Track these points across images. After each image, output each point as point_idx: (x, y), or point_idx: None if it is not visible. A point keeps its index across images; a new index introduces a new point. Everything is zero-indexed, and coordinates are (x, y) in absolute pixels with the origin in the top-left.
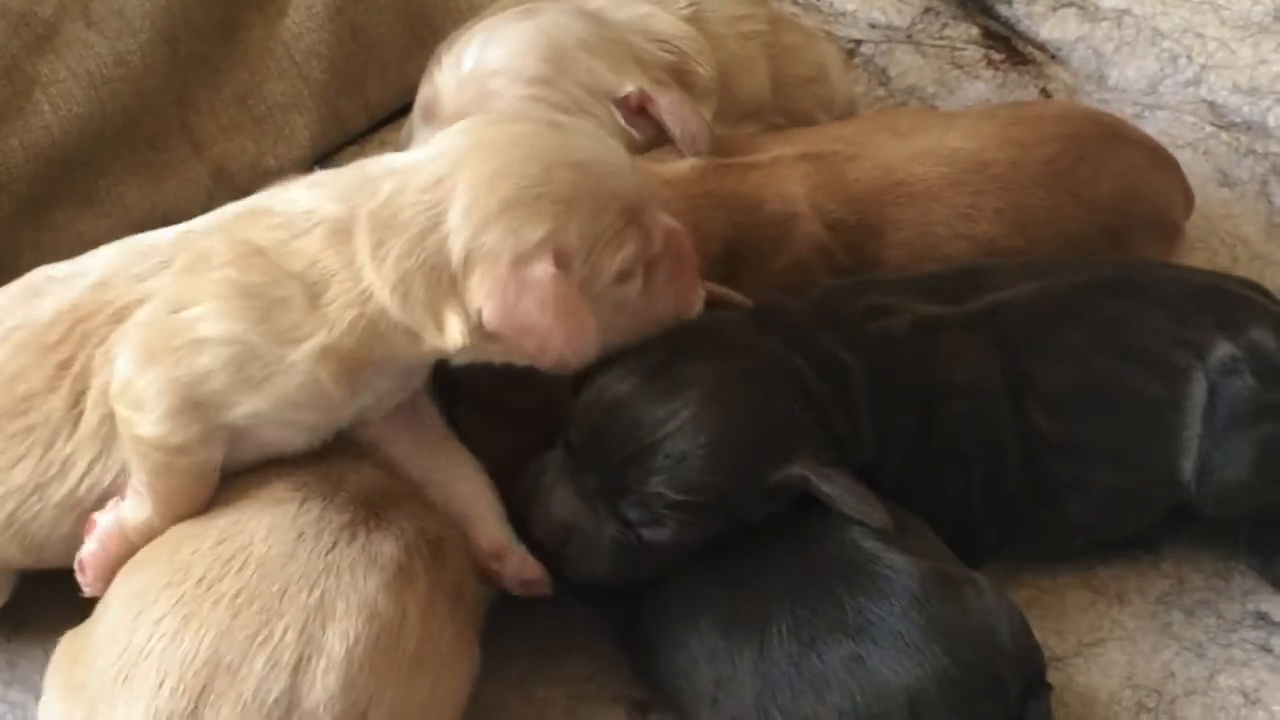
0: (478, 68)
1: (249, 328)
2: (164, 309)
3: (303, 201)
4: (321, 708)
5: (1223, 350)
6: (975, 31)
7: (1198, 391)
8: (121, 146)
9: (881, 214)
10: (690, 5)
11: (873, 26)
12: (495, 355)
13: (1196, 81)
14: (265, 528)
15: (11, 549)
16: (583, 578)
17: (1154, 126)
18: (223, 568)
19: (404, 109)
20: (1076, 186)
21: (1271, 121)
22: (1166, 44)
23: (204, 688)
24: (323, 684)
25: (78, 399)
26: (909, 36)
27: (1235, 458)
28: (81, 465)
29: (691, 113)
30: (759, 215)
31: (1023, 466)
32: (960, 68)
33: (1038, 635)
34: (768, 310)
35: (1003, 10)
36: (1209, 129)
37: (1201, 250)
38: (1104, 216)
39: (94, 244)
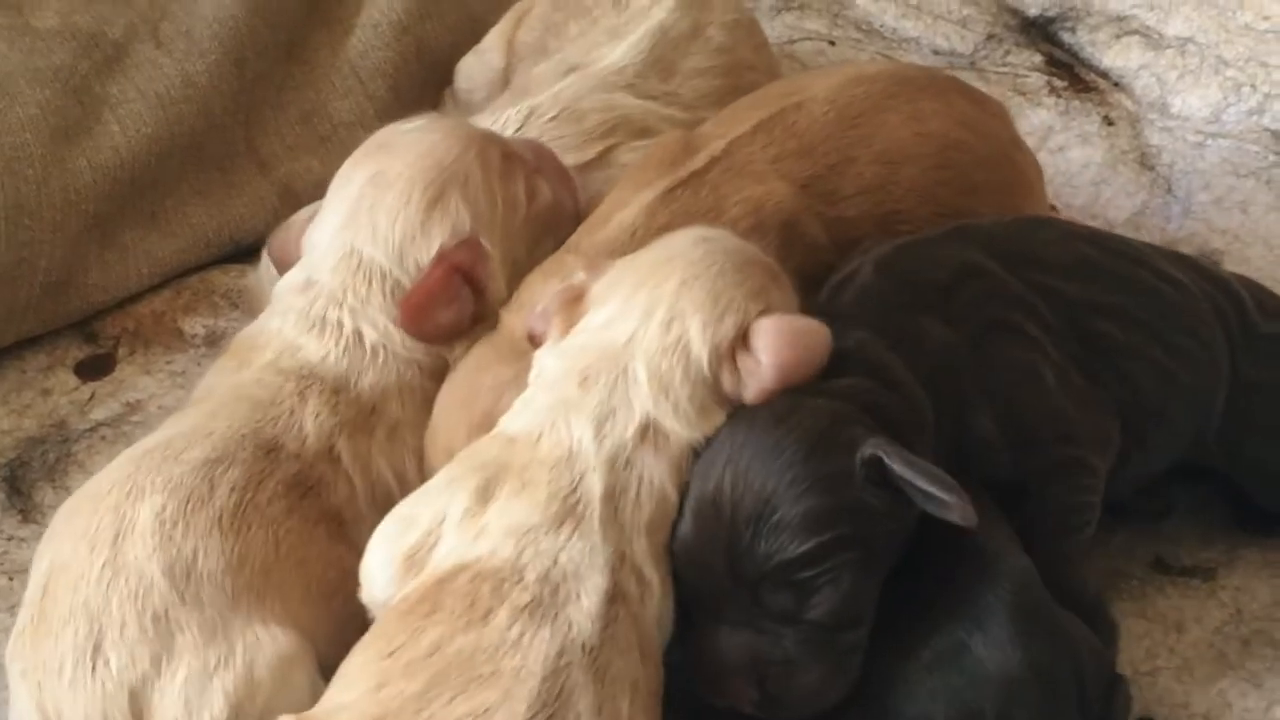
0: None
1: None
2: None
3: (575, 463)
4: (145, 562)
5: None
6: (1038, 59)
7: (1216, 323)
8: (188, 166)
9: (845, 139)
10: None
11: (936, 53)
12: None
13: (1260, 110)
14: (110, 467)
15: None
16: (801, 704)
17: (1217, 155)
18: (66, 501)
19: None
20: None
21: None
22: (1230, 73)
23: (45, 587)
24: (141, 546)
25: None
26: (972, 63)
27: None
28: None
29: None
30: (736, 228)
31: (1072, 332)
32: (1023, 95)
33: None
34: None
35: (1066, 38)
36: (1272, 158)
37: (1263, 279)
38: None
39: (162, 263)
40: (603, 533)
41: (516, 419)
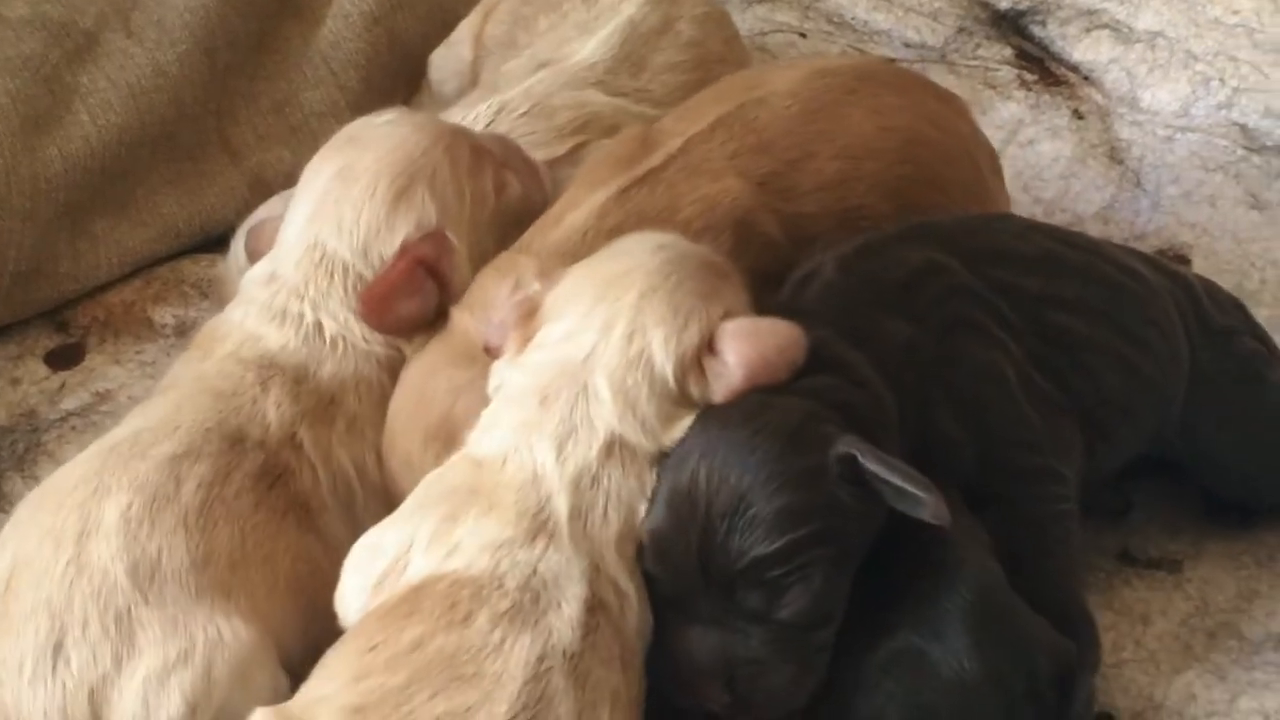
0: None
1: None
2: None
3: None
4: (110, 562)
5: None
6: (1009, 52)
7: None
8: (159, 156)
9: (807, 134)
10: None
11: (907, 46)
12: None
13: (1229, 105)
14: (77, 460)
15: None
16: (770, 704)
17: (1186, 149)
18: (31, 494)
19: None
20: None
21: None
22: (1199, 67)
23: (7, 583)
24: (105, 546)
25: None
26: (943, 56)
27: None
28: None
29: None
30: (690, 227)
31: (1034, 328)
32: (993, 88)
33: None
34: None
35: (1036, 31)
36: (1240, 152)
37: (1231, 273)
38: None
39: (132, 253)
40: (574, 547)
41: (483, 441)
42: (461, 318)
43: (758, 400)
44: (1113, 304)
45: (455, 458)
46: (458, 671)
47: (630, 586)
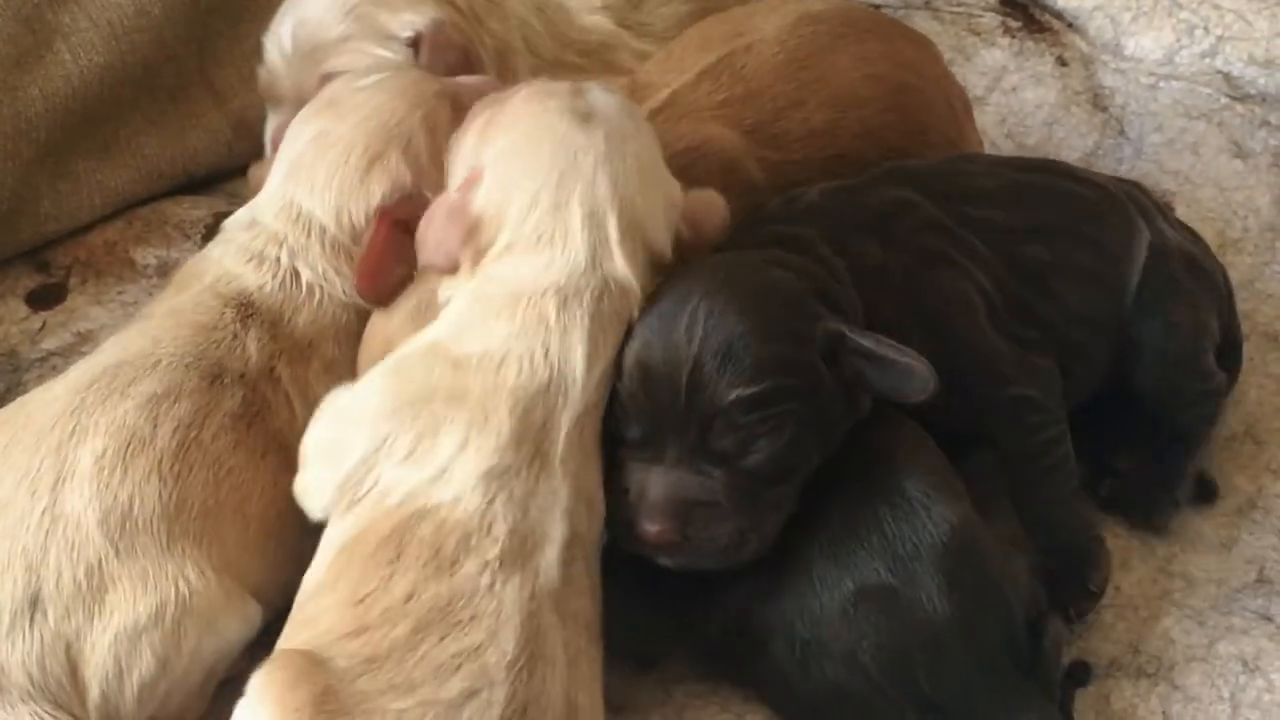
0: (297, 47)
1: None
2: None
3: None
4: (83, 512)
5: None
6: None
7: (1139, 228)
8: (142, 97)
9: (795, 82)
10: None
11: None
12: None
13: (1212, 53)
14: (52, 390)
15: None
16: (716, 553)
17: (1169, 97)
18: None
19: None
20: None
21: None
22: (1183, 15)
23: None
24: (78, 494)
25: None
26: (927, 3)
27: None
28: None
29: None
30: (674, 165)
31: (1003, 260)
32: (977, 35)
33: None
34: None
35: None
36: (1224, 100)
37: (1214, 221)
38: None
39: (114, 193)
40: (563, 470)
41: (464, 340)
42: None
43: (758, 261)
44: (1073, 217)
45: (422, 348)
46: (456, 616)
47: (598, 496)
